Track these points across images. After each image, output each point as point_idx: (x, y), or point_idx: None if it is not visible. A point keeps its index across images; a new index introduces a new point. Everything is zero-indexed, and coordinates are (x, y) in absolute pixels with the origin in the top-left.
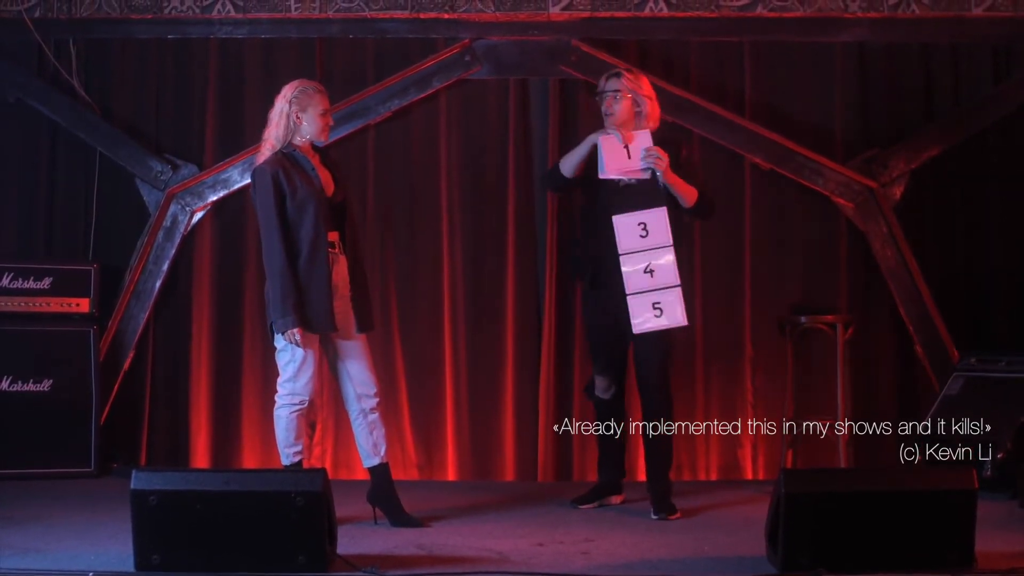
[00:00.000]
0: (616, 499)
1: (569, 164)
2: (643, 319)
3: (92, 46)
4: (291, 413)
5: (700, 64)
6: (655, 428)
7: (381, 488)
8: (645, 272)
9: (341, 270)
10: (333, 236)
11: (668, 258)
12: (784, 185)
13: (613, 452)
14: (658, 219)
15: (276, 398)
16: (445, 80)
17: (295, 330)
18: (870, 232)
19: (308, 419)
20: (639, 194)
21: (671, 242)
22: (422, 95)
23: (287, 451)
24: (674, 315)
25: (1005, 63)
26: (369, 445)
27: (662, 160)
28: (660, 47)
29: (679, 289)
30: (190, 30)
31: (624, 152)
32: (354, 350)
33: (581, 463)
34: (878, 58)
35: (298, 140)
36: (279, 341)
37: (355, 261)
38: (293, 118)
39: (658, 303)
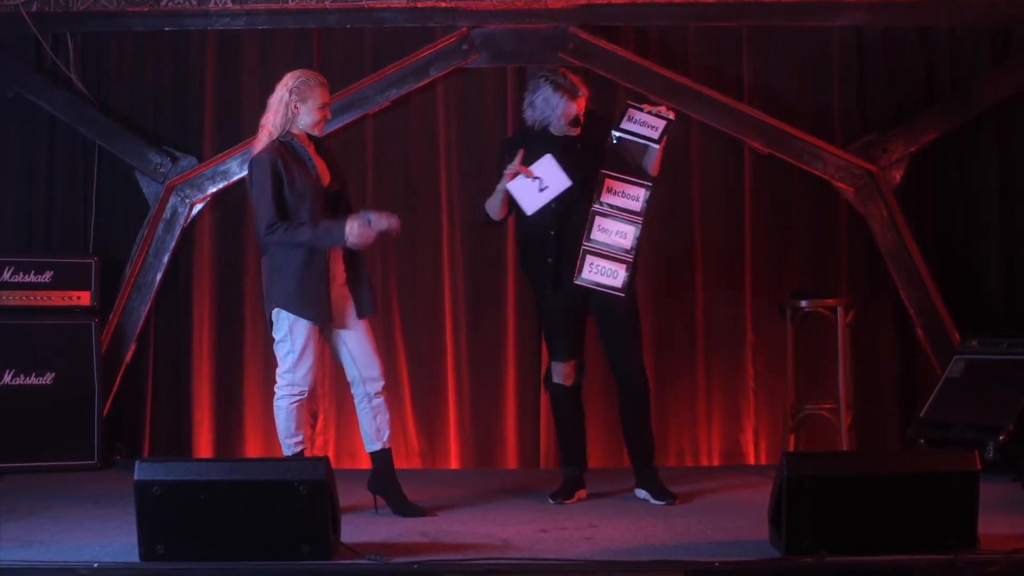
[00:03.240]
0: (583, 493)
1: (493, 209)
2: (589, 272)
3: (89, 39)
4: (291, 404)
5: (698, 50)
6: (636, 413)
7: (382, 475)
8: (613, 233)
9: (338, 260)
10: None
11: (635, 230)
12: (784, 170)
13: (580, 442)
14: (643, 194)
15: (276, 389)
16: (443, 69)
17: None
18: (870, 216)
19: (310, 409)
20: (584, 184)
21: (643, 219)
22: (420, 84)
23: (288, 441)
24: (618, 281)
25: (1004, 46)
26: (372, 430)
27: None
28: (658, 33)
29: (632, 262)
30: (187, 22)
31: (534, 184)
32: (356, 336)
33: None
34: (876, 42)
35: (295, 130)
36: (278, 332)
37: (351, 250)
38: (292, 107)
39: (610, 267)
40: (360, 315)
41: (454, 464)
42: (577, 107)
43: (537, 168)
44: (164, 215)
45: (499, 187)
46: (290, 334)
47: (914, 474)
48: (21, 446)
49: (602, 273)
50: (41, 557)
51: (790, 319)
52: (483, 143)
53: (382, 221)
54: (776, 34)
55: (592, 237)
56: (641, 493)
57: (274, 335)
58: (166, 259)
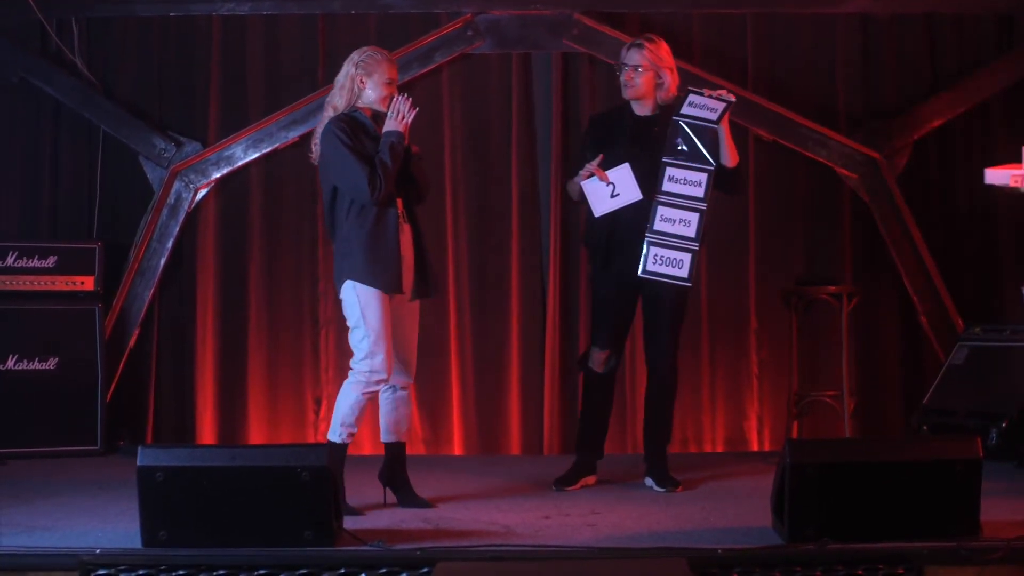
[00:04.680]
0: (592, 480)
1: (573, 195)
2: (654, 264)
3: (94, 24)
4: (364, 392)
5: (703, 36)
6: (660, 401)
7: (394, 467)
8: (676, 222)
9: (406, 239)
10: (397, 203)
11: (698, 217)
12: (787, 157)
13: (598, 430)
14: (704, 179)
15: (351, 373)
16: (447, 55)
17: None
18: (874, 203)
19: (313, 395)
20: (656, 172)
21: (706, 205)
22: (424, 70)
23: (342, 429)
24: (683, 271)
25: (1009, 33)
26: (391, 422)
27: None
28: (662, 20)
29: (697, 250)
30: (192, 7)
31: (607, 189)
32: (406, 325)
33: None
34: (881, 28)
35: (360, 104)
36: (350, 316)
37: (418, 230)
38: (357, 82)
39: (674, 256)
40: (422, 295)
41: (457, 451)
42: (626, 75)
43: (613, 174)
44: (168, 200)
45: (576, 180)
46: (363, 317)
47: (917, 461)
48: (24, 431)
49: (667, 263)
50: (44, 543)
51: (793, 306)
52: (487, 129)
53: (400, 107)
54: (781, 21)
55: (655, 228)
56: (649, 481)
57: (347, 322)
58: (170, 244)
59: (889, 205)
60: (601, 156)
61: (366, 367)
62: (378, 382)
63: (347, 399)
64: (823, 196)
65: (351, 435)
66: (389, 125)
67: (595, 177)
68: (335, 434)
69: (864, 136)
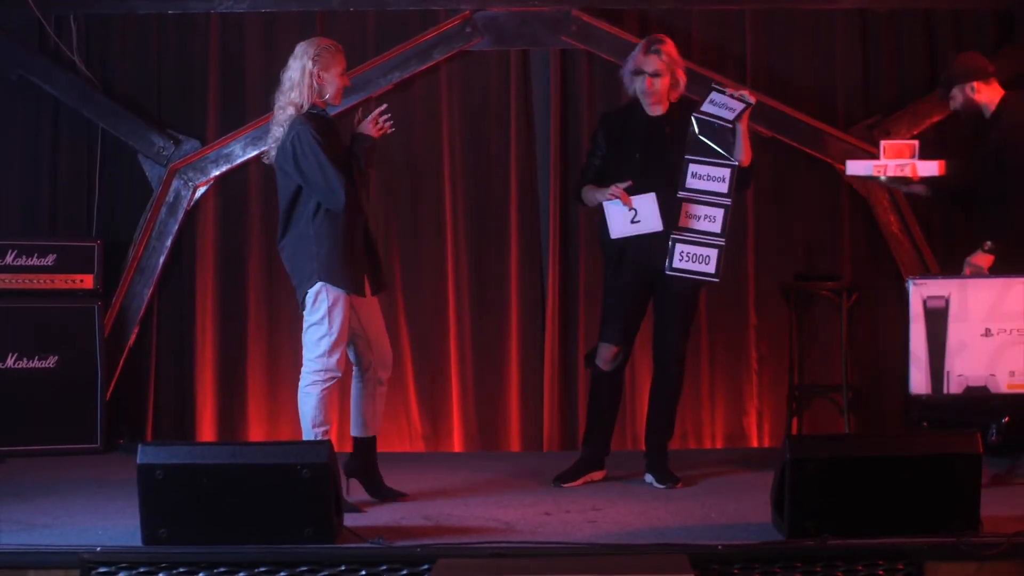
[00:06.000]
0: (598, 475)
1: (589, 203)
2: (680, 261)
3: (93, 21)
4: (323, 390)
5: (701, 32)
6: (665, 399)
7: (366, 460)
8: (702, 218)
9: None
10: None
11: (723, 212)
12: (786, 153)
13: (603, 426)
14: (728, 174)
15: (305, 374)
16: (446, 52)
17: None
18: (872, 198)
19: None
20: (669, 172)
21: (731, 200)
22: (423, 67)
23: (316, 430)
24: (710, 267)
25: (1008, 28)
26: (370, 416)
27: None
28: (661, 16)
29: (723, 245)
30: (191, 5)
31: (629, 214)
32: (373, 319)
33: None
34: (880, 24)
35: (318, 100)
36: (315, 313)
37: (367, 227)
38: (316, 78)
39: (701, 252)
40: (375, 291)
41: (457, 447)
42: (646, 82)
43: (637, 201)
44: (167, 198)
45: (598, 197)
46: (328, 315)
47: (916, 456)
48: (24, 429)
49: (693, 260)
50: (44, 540)
51: (793, 302)
52: (486, 127)
53: (380, 120)
54: (780, 16)
55: (680, 225)
56: (649, 477)
57: (308, 317)
58: (169, 242)
59: (888, 200)
60: (630, 183)
61: (321, 365)
62: (332, 379)
63: (309, 402)
64: (822, 192)
65: (326, 432)
66: (367, 129)
67: (618, 200)
68: (311, 437)
69: (862, 132)
